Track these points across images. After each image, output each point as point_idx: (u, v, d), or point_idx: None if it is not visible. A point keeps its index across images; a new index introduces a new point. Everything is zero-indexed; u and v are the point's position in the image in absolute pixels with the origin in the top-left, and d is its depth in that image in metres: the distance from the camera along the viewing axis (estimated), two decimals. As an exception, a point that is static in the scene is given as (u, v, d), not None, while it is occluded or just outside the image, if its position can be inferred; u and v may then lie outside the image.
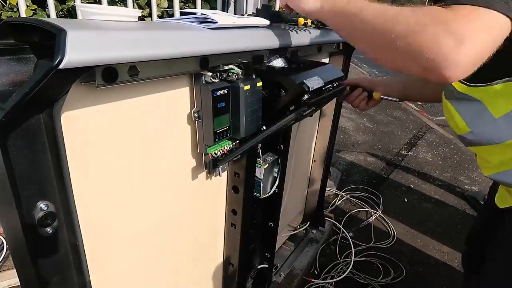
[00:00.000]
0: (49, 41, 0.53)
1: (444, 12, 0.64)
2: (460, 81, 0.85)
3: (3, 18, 1.94)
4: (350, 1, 0.82)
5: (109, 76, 0.64)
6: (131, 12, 0.76)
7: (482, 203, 2.88)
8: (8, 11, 1.94)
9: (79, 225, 0.71)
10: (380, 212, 2.84)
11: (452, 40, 0.61)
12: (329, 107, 1.96)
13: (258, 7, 1.28)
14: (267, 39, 1.09)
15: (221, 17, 0.89)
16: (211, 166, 1.06)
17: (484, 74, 0.78)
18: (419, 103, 6.62)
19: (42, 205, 0.62)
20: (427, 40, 0.63)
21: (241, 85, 0.98)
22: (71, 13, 2.13)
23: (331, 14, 0.87)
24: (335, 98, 1.78)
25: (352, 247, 2.28)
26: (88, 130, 0.72)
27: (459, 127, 0.95)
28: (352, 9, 0.80)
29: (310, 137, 2.06)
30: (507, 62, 0.77)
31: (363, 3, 0.80)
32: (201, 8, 2.18)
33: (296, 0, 0.95)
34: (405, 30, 0.67)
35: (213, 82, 0.94)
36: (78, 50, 0.53)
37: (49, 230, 0.64)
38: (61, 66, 0.51)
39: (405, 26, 0.67)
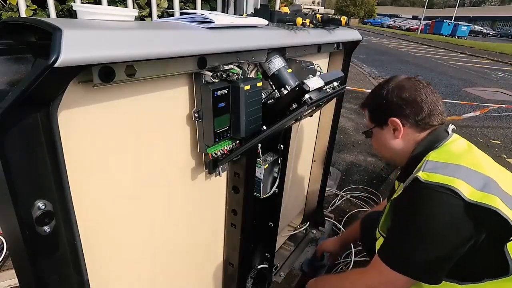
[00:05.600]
0: (46, 40, 0.53)
1: None
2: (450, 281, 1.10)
3: (3, 18, 1.94)
4: (326, 284, 1.44)
5: (106, 76, 0.64)
6: (128, 12, 0.76)
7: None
8: (8, 11, 1.94)
9: (77, 224, 0.71)
10: (381, 212, 2.83)
11: None
12: (329, 107, 1.96)
13: (258, 8, 1.28)
14: (266, 39, 1.09)
15: (219, 17, 0.89)
16: (211, 166, 1.06)
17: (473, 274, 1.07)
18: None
19: (39, 204, 0.62)
20: None
21: (242, 85, 0.98)
22: (72, 13, 2.13)
23: None
24: (335, 98, 1.78)
25: (352, 247, 2.27)
26: (85, 130, 0.72)
27: None
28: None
29: (310, 137, 2.06)
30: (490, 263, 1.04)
31: (329, 284, 1.41)
32: (201, 8, 2.18)
33: None
34: None
35: (213, 82, 0.94)
36: (74, 49, 0.53)
37: (47, 229, 0.64)
38: (56, 65, 0.51)
39: None
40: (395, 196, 1.18)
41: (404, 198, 1.11)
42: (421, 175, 1.04)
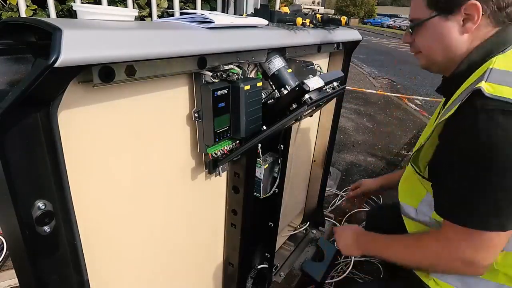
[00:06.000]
0: (46, 40, 0.53)
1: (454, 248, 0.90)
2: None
3: (3, 18, 1.94)
4: (376, 246, 1.15)
5: (106, 76, 0.64)
6: (128, 12, 0.76)
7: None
8: (8, 11, 1.94)
9: (77, 224, 0.71)
10: (381, 212, 2.83)
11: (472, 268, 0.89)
12: (329, 107, 1.96)
13: (258, 8, 1.28)
14: (266, 39, 1.09)
15: (219, 17, 0.89)
16: (211, 166, 1.06)
17: None
18: (419, 102, 6.62)
19: (39, 204, 0.62)
20: (453, 270, 0.94)
21: (242, 85, 0.98)
22: (72, 13, 2.13)
23: (371, 255, 1.21)
24: (335, 98, 1.78)
25: (353, 247, 2.27)
26: (85, 130, 0.72)
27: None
28: (382, 253, 1.12)
29: (310, 137, 2.06)
30: None
31: (382, 246, 1.12)
32: (201, 8, 2.18)
33: (344, 249, 1.27)
34: (432, 266, 0.99)
35: (213, 82, 0.94)
36: (74, 49, 0.53)
37: (47, 229, 0.64)
38: (56, 65, 0.51)
39: (430, 263, 0.98)
40: (445, 117, 0.84)
41: (463, 122, 0.81)
42: (485, 86, 0.77)
